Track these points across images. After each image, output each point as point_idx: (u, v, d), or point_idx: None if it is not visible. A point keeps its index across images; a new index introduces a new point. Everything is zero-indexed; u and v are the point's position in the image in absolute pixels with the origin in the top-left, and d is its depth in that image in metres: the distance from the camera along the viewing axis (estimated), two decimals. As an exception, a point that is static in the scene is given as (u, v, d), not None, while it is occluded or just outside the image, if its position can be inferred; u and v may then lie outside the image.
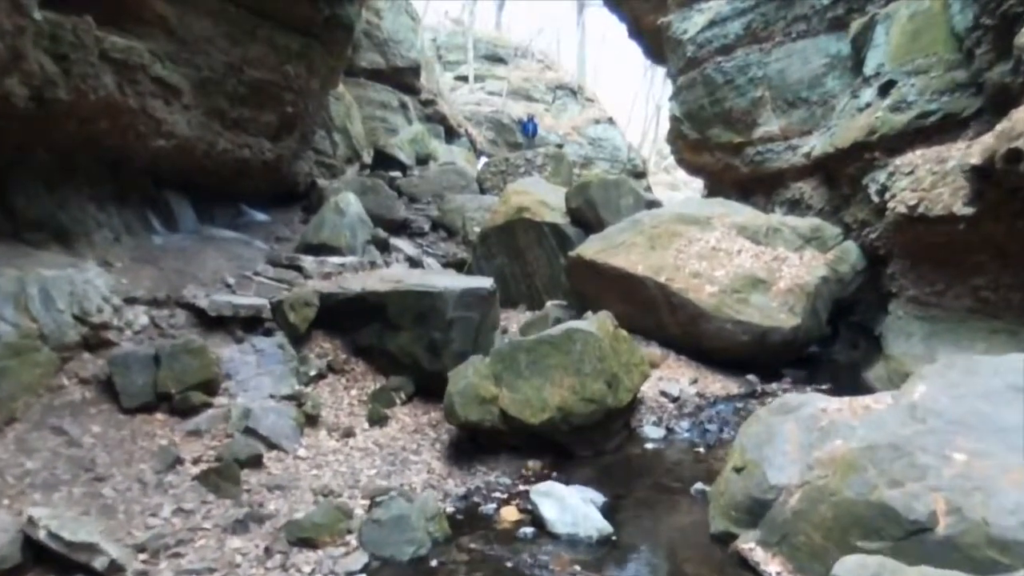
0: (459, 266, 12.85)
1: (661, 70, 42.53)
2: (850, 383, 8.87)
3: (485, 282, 6.64)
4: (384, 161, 15.69)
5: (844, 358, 10.20)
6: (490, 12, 43.37)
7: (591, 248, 9.70)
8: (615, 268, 9.21)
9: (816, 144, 9.74)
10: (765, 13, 10.44)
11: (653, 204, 11.17)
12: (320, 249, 9.40)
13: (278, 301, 6.43)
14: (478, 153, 24.99)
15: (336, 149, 15.59)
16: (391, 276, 7.65)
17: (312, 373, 5.94)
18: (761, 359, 8.50)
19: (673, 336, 9.01)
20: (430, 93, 23.39)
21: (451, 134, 24.06)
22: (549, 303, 10.76)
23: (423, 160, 18.21)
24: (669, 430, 6.56)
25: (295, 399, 5.36)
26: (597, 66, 47.20)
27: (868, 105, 8.70)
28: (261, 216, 11.58)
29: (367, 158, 17.24)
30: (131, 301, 6.10)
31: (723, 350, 8.49)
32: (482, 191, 16.22)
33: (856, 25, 9.05)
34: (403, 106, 21.62)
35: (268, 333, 6.31)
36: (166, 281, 6.70)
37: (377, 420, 5.74)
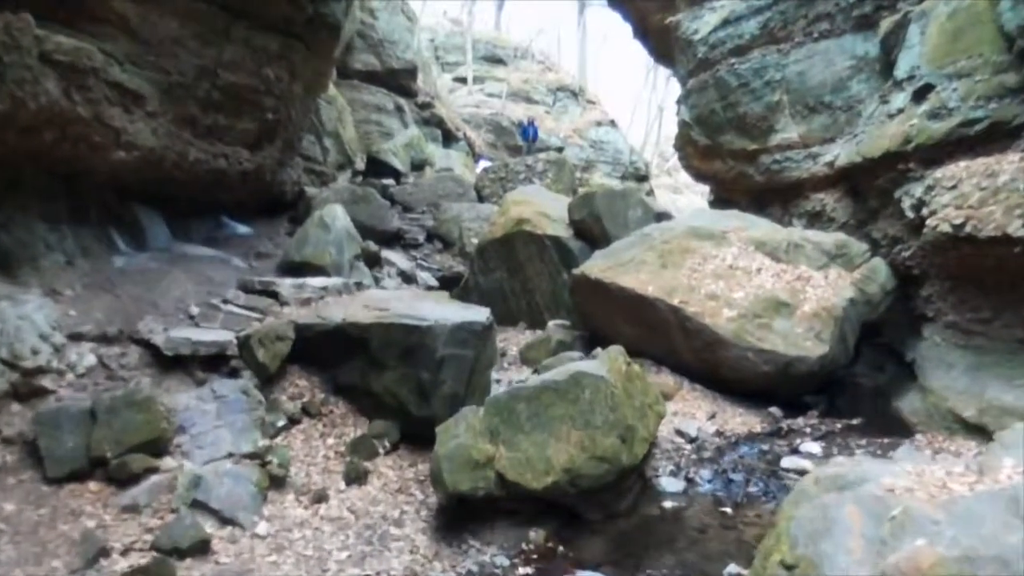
0: (455, 280, 12.11)
1: (664, 71, 41.74)
2: (881, 415, 8.14)
3: (481, 314, 5.88)
4: (377, 168, 14.95)
5: (868, 381, 9.44)
6: (489, 12, 42.67)
7: (597, 266, 8.95)
8: (623, 289, 8.46)
9: (841, 153, 8.99)
10: (784, 11, 9.69)
11: (663, 216, 10.41)
12: (302, 268, 8.66)
13: (246, 336, 5.68)
14: (477, 157, 24.26)
15: (327, 155, 14.85)
16: (377, 302, 6.89)
17: (280, 424, 5.18)
18: (784, 390, 7.75)
19: (687, 363, 8.26)
20: (427, 95, 22.65)
21: (449, 138, 23.33)
22: (551, 323, 10.01)
23: (419, 166, 17.48)
24: (689, 480, 5.80)
25: (258, 457, 4.61)
26: (598, 67, 46.48)
27: (900, 111, 7.95)
28: (243, 229, 10.84)
29: (360, 164, 16.51)
30: (76, 338, 5.35)
31: (743, 380, 7.74)
32: (480, 199, 15.47)
33: (886, 24, 8.29)
34: (399, 109, 20.89)
35: (233, 374, 5.56)
36: (121, 312, 5.95)
37: (356, 477, 4.99)
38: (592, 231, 10.40)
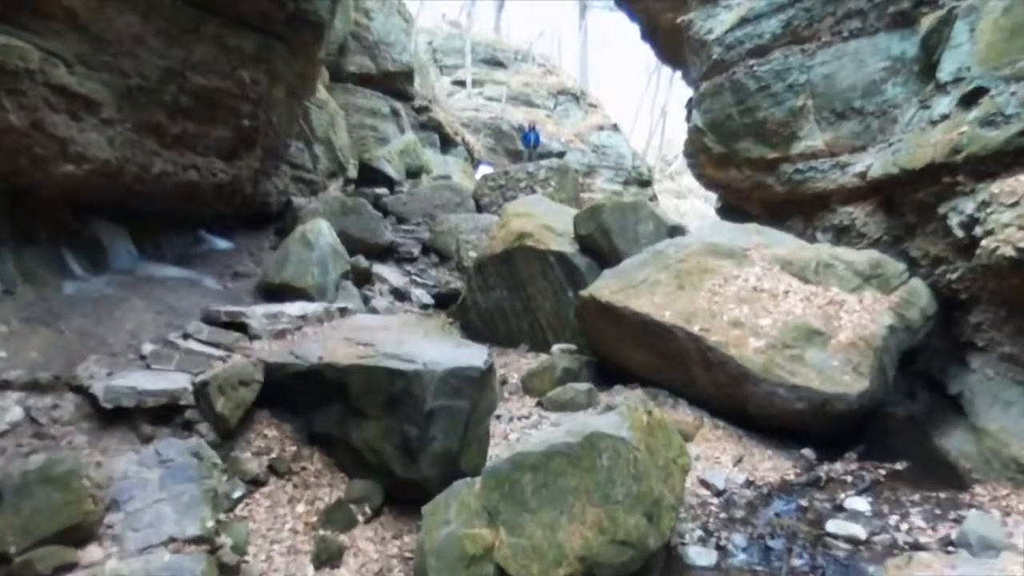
0: (452, 297, 11.30)
1: (666, 73, 41.01)
2: (925, 455, 7.30)
3: (478, 355, 5.05)
4: (370, 176, 14.15)
5: (900, 411, 8.60)
6: (489, 14, 41.91)
7: (607, 287, 8.13)
8: (636, 314, 7.64)
9: (874, 163, 8.18)
10: (809, 8, 8.89)
11: (676, 230, 9.60)
12: (281, 291, 7.85)
13: (203, 382, 4.86)
14: (476, 162, 23.46)
15: (317, 163, 14.04)
16: (362, 333, 6.09)
17: (236, 495, 4.35)
18: (818, 429, 6.92)
19: (707, 396, 7.44)
20: (424, 99, 21.88)
21: (447, 143, 22.55)
22: (556, 347, 9.17)
23: (415, 173, 16.68)
24: (720, 549, 4.97)
25: (207, 541, 3.79)
26: (600, 70, 45.72)
27: (945, 117, 7.15)
28: (223, 244, 10.03)
29: (354, 171, 15.72)
30: (2, 386, 4.53)
31: (771, 418, 6.92)
32: (479, 208, 14.67)
33: (928, 21, 7.49)
34: (395, 113, 20.11)
35: (188, 427, 4.75)
36: (62, 351, 5.13)
37: (328, 558, 4.17)
38: (600, 247, 9.58)
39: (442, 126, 22.09)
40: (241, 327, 5.89)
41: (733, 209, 13.73)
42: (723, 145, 11.02)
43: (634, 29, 14.60)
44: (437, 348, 5.31)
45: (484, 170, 22.65)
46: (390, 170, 14.09)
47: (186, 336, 5.69)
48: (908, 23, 7.86)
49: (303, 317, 6.53)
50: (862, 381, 6.74)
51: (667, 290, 7.91)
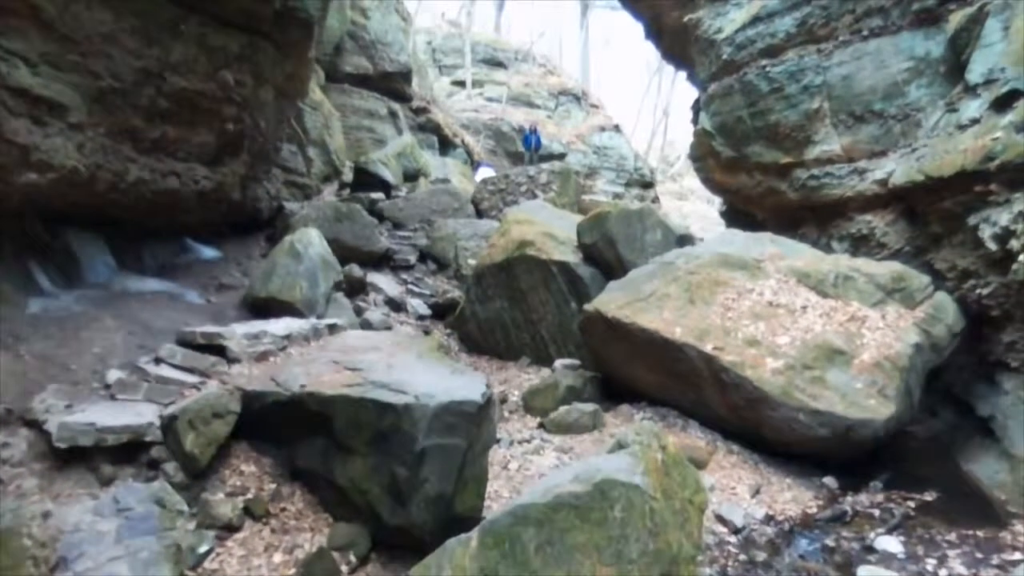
0: (450, 307, 10.85)
1: (668, 73, 40.55)
2: (954, 482, 6.83)
3: (475, 386, 4.59)
4: (365, 179, 13.68)
5: (922, 430, 8.17)
6: (489, 14, 41.45)
7: (613, 302, 7.67)
8: (645, 330, 7.18)
9: (896, 170, 7.72)
10: (827, 6, 8.43)
11: (685, 239, 9.14)
12: (268, 306, 7.40)
13: (171, 416, 4.39)
14: (475, 164, 22.99)
15: (310, 166, 13.59)
16: (350, 355, 5.64)
17: (204, 549, 3.88)
18: (840, 454, 6.47)
19: (720, 418, 6.99)
20: (422, 100, 21.43)
21: (446, 144, 22.10)
22: (558, 363, 8.73)
23: (412, 176, 16.22)
24: (742, 599, 4.51)
25: (166, 607, 3.34)
26: (601, 70, 45.23)
27: (975, 122, 6.70)
28: (209, 252, 9.57)
29: (349, 175, 15.26)
30: (-54, 422, 4.07)
31: (790, 443, 6.47)
32: (478, 213, 14.21)
33: (957, 19, 7.04)
34: (392, 114, 19.68)
35: (153, 466, 4.29)
36: (18, 379, 4.67)
37: (306, 619, 3.71)
38: (605, 256, 9.13)
39: (441, 128, 21.64)
40: (219, 350, 5.42)
41: (739, 213, 13.27)
42: (733, 149, 10.57)
43: (636, 28, 14.19)
44: (431, 375, 4.85)
45: (484, 172, 22.17)
46: (386, 174, 13.63)
47: (158, 361, 5.23)
48: (934, 21, 7.41)
49: (288, 337, 6.06)
50: (888, 405, 6.28)
51: (677, 305, 7.45)
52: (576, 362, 8.76)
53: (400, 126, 19.63)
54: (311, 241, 8.07)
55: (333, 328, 6.82)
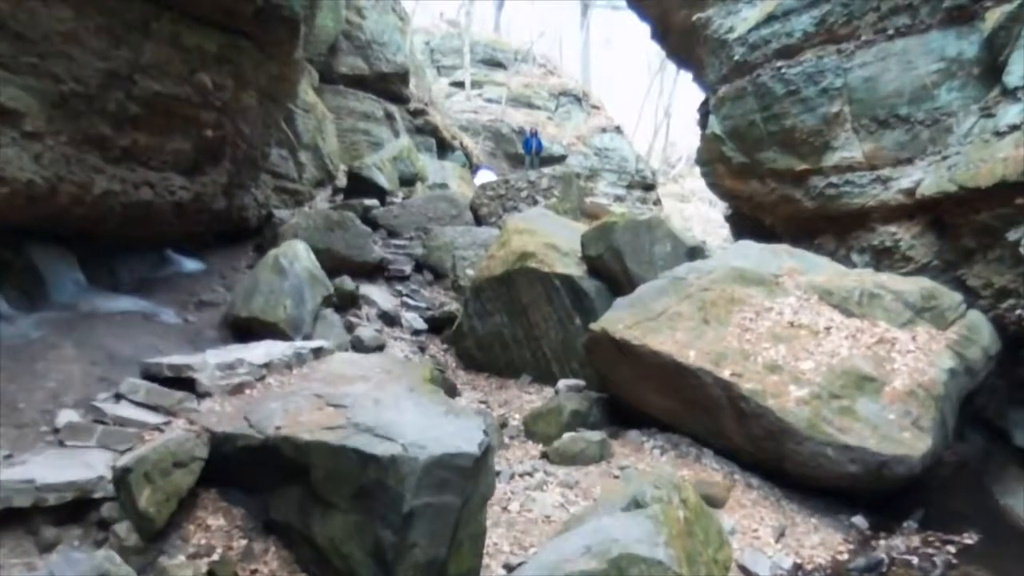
0: (447, 321, 10.31)
1: (670, 73, 40.01)
2: (993, 520, 6.31)
3: (471, 432, 4.04)
4: (360, 185, 13.15)
5: (950, 455, 7.62)
6: (488, 13, 40.90)
7: (621, 321, 7.14)
8: (656, 354, 6.65)
9: (926, 179, 7.20)
10: (848, 3, 7.90)
11: (696, 251, 8.61)
12: (249, 327, 6.87)
13: (124, 468, 3.86)
14: (474, 167, 22.46)
15: (302, 171, 13.06)
16: (334, 388, 5.12)
17: (152, 637, 3.36)
18: (870, 490, 5.94)
19: (738, 448, 6.46)
20: (420, 101, 20.89)
21: (444, 147, 21.55)
22: (562, 383, 8.20)
23: (409, 180, 15.69)
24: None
25: None
26: (601, 70, 44.64)
27: (1015, 128, 6.19)
28: (191, 265, 9.05)
29: (344, 179, 14.72)
30: None
31: (817, 479, 5.94)
32: (477, 220, 13.68)
33: (994, 17, 6.51)
34: (389, 117, 19.14)
35: (103, 527, 3.76)
36: (-44, 423, 4.13)
37: None
38: (611, 270, 8.60)
39: (439, 130, 21.11)
40: (188, 383, 4.89)
41: (745, 219, 12.75)
42: (744, 154, 10.04)
43: (638, 28, 13.68)
44: (422, 417, 4.32)
45: (484, 175, 21.63)
46: (381, 179, 13.10)
47: (118, 397, 4.69)
48: (967, 19, 6.89)
49: (267, 365, 5.52)
50: (924, 439, 5.75)
51: (690, 325, 6.92)
52: (580, 382, 8.24)
53: (397, 128, 19.10)
54: (297, 255, 7.54)
55: (319, 352, 6.29)
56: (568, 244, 9.48)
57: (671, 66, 38.86)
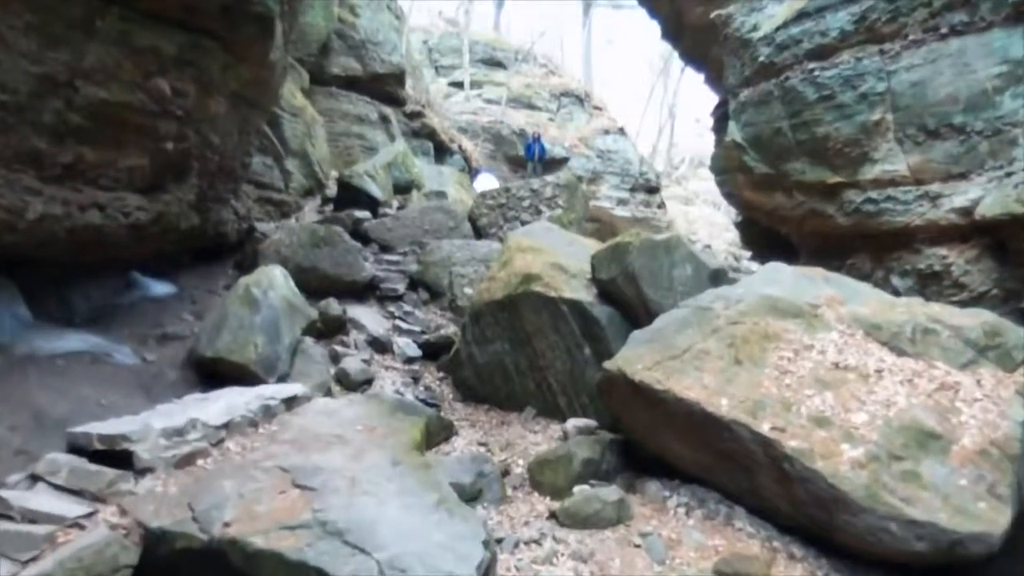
0: (443, 347, 9.43)
1: (674, 73, 39.13)
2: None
3: (468, 545, 3.19)
4: (351, 195, 12.27)
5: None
6: (488, 12, 40.02)
7: (640, 360, 6.26)
8: (682, 401, 5.77)
9: (986, 197, 6.35)
10: (893, -2, 7.04)
11: (719, 275, 7.73)
12: (215, 369, 6.01)
13: (19, 595, 3.00)
14: (474, 171, 21.59)
15: (288, 180, 12.19)
16: (305, 457, 4.28)
17: None
18: (937, 566, 5.07)
19: (777, 509, 5.58)
20: (417, 103, 20.03)
21: (442, 150, 20.69)
22: (571, 424, 7.33)
23: (404, 188, 14.82)
24: None
25: None
26: (603, 70, 43.75)
27: (1100, 142, 5.28)
28: (160, 288, 8.18)
29: (335, 187, 13.84)
30: None
31: (875, 554, 5.07)
32: (476, 231, 12.81)
33: (1074, 12, 5.65)
34: (384, 119, 18.29)
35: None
36: None
37: None
38: (625, 295, 7.72)
39: (436, 133, 20.26)
40: (123, 458, 4.01)
41: (756, 226, 11.92)
42: (768, 165, 9.18)
43: (640, 26, 12.86)
44: (406, 514, 3.47)
45: (484, 179, 20.75)
46: (373, 188, 12.24)
47: (34, 479, 3.82)
48: (1037, 16, 6.03)
49: (227, 425, 4.67)
50: (1003, 511, 4.88)
51: (719, 365, 6.06)
52: (591, 422, 7.37)
53: (392, 132, 18.24)
54: (273, 283, 6.68)
55: (292, 402, 5.43)
56: (576, 264, 8.61)
57: (674, 65, 38.04)
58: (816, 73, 7.89)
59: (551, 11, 40.83)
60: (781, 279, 7.21)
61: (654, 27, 14.23)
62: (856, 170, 7.87)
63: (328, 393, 6.82)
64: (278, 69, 7.89)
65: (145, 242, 6.71)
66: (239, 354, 5.95)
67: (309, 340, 7.44)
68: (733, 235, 32.29)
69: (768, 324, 6.39)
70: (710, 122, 13.96)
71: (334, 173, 14.39)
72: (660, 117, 40.79)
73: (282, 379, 6.31)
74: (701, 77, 13.95)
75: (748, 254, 23.29)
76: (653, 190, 33.33)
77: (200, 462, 4.32)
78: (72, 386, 5.13)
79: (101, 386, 5.32)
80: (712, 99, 15.64)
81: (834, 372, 5.83)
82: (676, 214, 36.75)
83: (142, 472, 4.04)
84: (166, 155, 6.19)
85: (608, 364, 6.47)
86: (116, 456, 4.06)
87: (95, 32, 5.22)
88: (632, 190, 32.24)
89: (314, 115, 14.40)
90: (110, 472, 3.90)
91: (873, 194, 7.73)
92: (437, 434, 7.33)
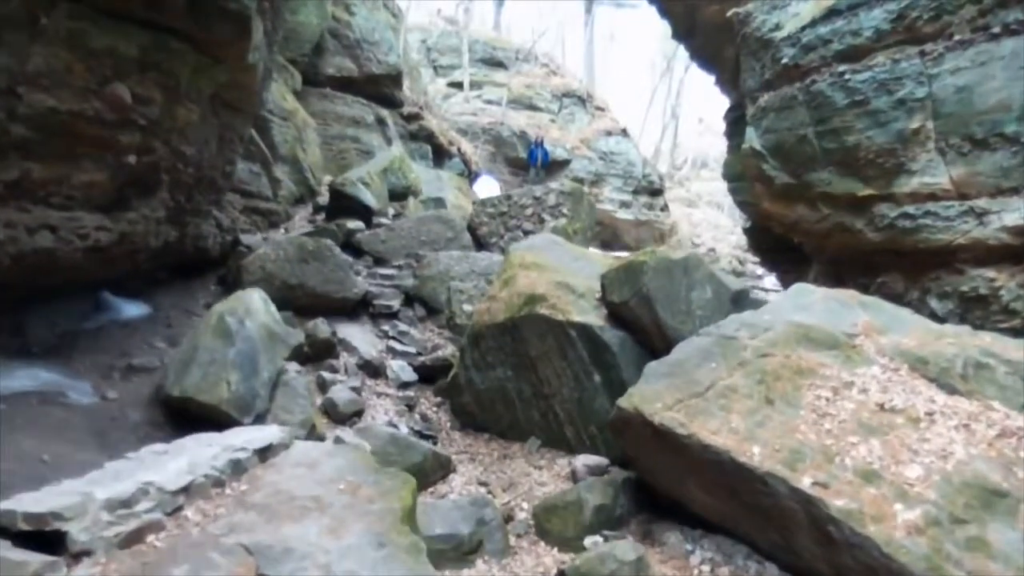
0: (441, 370, 8.77)
1: (678, 74, 38.44)
2: None
3: None
4: (344, 203, 11.61)
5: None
6: (488, 11, 39.32)
7: (659, 398, 5.60)
8: (708, 447, 5.11)
9: (1043, 216, 5.65)
10: (936, -6, 6.38)
11: (741, 297, 7.08)
12: (184, 409, 5.35)
13: None
14: (474, 175, 20.94)
15: (277, 188, 11.52)
16: (272, 530, 3.68)
17: None
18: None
19: (816, 572, 4.93)
20: (415, 105, 19.37)
21: (440, 154, 20.03)
22: (580, 462, 6.67)
23: (401, 194, 14.15)
24: None
25: None
26: (605, 71, 43.06)
27: None
28: (133, 310, 7.53)
29: (327, 195, 13.17)
30: None
31: (931, 632, 4.42)
32: (476, 241, 12.16)
33: None
34: (380, 122, 17.64)
35: None
36: None
37: None
38: (639, 319, 7.06)
39: (435, 136, 19.59)
40: (52, 541, 3.35)
41: (767, 232, 11.25)
42: (790, 174, 8.52)
43: (642, 26, 12.24)
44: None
45: (484, 183, 20.12)
46: (367, 197, 11.57)
47: (-59, 575, 3.16)
48: (1107, 14, 5.36)
49: (186, 489, 4.01)
50: (1085, 585, 4.27)
51: (749, 406, 5.41)
52: (603, 460, 6.72)
53: (389, 135, 17.58)
54: (250, 310, 6.02)
55: (266, 452, 4.77)
56: (584, 282, 7.95)
57: (676, 65, 37.35)
58: (847, 76, 7.23)
59: (552, 10, 40.17)
60: (811, 305, 6.54)
61: (657, 26, 13.65)
62: (890, 182, 7.21)
63: (312, 430, 6.16)
64: (260, 71, 7.22)
65: (110, 264, 6.05)
66: (209, 394, 5.28)
67: (293, 368, 6.77)
68: (738, 238, 31.63)
69: (801, 357, 5.73)
70: (714, 123, 13.31)
71: (327, 179, 13.73)
72: (663, 117, 40.10)
73: (260, 418, 5.65)
74: (712, 79, 13.28)
75: (754, 258, 22.66)
76: (656, 192, 32.74)
77: (150, 538, 3.66)
78: (10, 437, 4.46)
79: (46, 436, 4.65)
80: (720, 99, 14.99)
81: (879, 415, 5.17)
82: (680, 217, 36.10)
83: (77, 557, 3.39)
84: (129, 169, 5.52)
85: (623, 402, 5.81)
86: (46, 538, 3.39)
87: (40, 31, 4.56)
88: (635, 192, 31.66)
89: (306, 118, 13.75)
90: (35, 561, 3.24)
91: (910, 208, 7.06)
92: (433, 472, 6.70)
